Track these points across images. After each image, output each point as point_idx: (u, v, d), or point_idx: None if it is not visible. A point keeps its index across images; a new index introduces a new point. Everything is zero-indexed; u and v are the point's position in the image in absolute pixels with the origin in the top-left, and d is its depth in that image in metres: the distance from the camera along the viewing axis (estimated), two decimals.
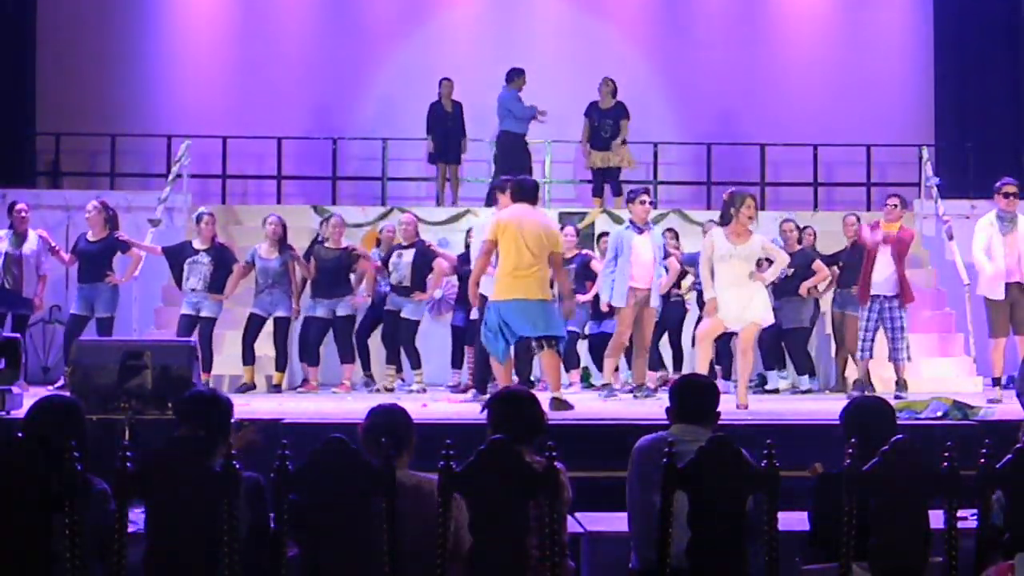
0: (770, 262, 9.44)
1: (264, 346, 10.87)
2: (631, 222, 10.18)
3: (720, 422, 4.82)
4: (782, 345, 11.22)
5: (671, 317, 11.28)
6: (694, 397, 4.81)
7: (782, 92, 15.24)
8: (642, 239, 10.04)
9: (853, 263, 10.48)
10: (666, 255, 10.88)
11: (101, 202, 11.00)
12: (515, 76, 13.38)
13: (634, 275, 9.93)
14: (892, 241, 9.79)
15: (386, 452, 4.11)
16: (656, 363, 11.14)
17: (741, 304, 8.88)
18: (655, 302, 10.23)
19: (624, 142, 13.46)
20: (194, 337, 10.23)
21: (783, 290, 10.88)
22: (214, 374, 10.59)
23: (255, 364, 10.73)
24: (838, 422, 4.92)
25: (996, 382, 9.90)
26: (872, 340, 9.89)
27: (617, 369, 10.76)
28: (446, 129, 13.78)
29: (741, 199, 8.99)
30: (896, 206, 9.99)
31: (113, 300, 10.75)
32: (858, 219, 11.15)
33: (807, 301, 11.12)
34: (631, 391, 10.17)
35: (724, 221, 9.06)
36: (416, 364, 11.06)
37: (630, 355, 10.41)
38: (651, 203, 10.40)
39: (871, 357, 9.97)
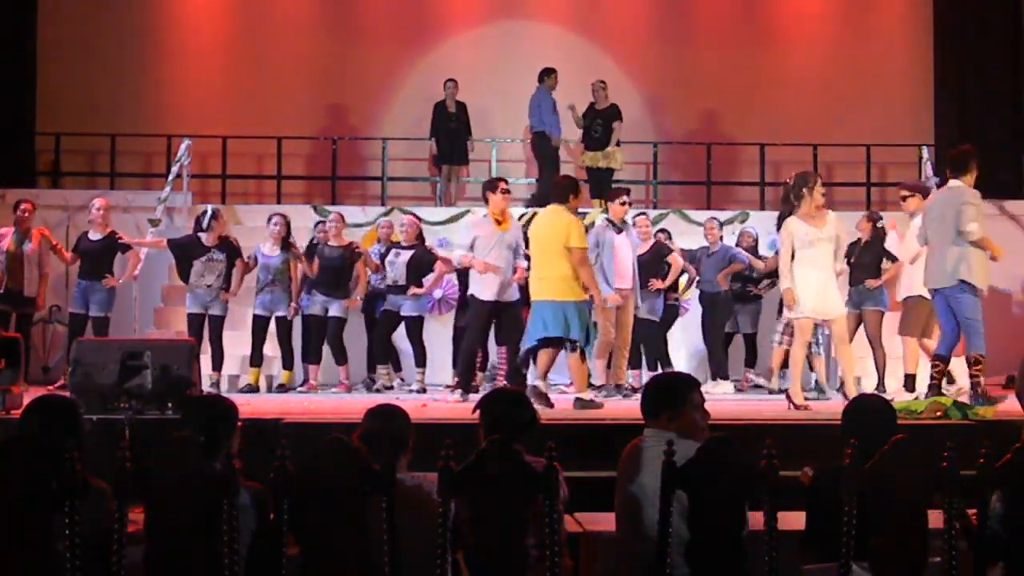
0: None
1: (265, 347, 10.87)
2: (609, 221, 10.13)
3: (720, 422, 4.80)
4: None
5: (666, 318, 11.24)
6: (646, 397, 4.68)
7: (782, 92, 15.24)
8: (622, 239, 10.03)
9: (864, 261, 10.55)
10: (668, 251, 10.94)
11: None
12: (545, 76, 13.38)
13: (617, 274, 9.90)
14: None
15: (386, 453, 4.10)
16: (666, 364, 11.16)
17: (824, 292, 8.39)
18: (651, 304, 10.30)
19: (618, 143, 13.38)
20: (204, 336, 10.32)
21: None
22: None
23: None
24: (839, 422, 4.92)
25: None
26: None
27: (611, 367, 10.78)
28: (450, 130, 13.75)
29: (813, 177, 8.57)
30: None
31: (109, 301, 10.80)
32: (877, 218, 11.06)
33: None
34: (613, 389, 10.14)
35: (789, 207, 8.51)
36: (421, 362, 11.07)
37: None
38: (629, 203, 10.32)
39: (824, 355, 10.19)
